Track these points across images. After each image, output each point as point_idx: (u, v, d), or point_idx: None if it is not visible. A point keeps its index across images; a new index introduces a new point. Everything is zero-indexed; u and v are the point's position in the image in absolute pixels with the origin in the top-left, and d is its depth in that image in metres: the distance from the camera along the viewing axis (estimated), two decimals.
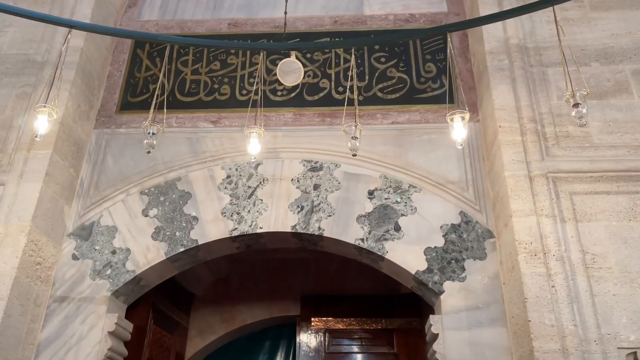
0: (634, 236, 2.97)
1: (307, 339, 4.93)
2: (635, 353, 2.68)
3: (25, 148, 3.53)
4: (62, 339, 3.34)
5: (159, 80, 3.58)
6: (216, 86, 4.20)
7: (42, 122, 2.98)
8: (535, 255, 2.98)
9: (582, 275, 2.89)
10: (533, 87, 3.52)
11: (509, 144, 3.35)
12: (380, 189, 3.70)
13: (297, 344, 4.92)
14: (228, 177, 3.82)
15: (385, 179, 3.73)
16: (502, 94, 3.53)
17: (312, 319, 5.00)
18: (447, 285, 3.36)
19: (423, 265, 3.44)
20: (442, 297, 3.34)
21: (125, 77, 4.32)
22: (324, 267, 5.38)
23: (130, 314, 3.71)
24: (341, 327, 4.97)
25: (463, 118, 2.87)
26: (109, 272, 3.54)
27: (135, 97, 4.22)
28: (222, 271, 5.30)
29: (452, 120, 2.90)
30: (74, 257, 3.59)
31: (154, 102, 3.27)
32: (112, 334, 3.37)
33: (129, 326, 3.61)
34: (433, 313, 3.44)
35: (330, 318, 5.00)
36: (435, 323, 3.30)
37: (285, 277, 5.38)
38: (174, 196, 3.77)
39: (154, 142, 3.10)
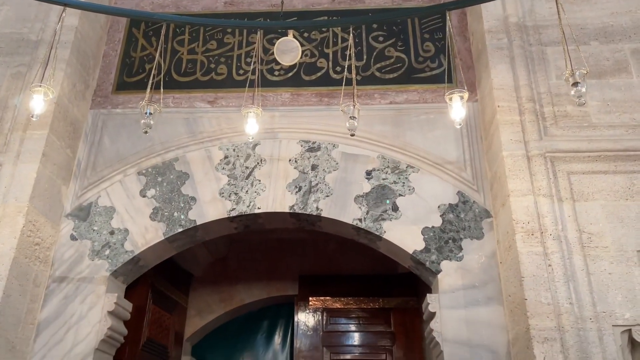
0: (630, 215, 2.99)
1: (305, 318, 4.98)
2: (630, 330, 2.72)
3: (21, 128, 3.51)
4: (62, 318, 3.36)
5: (155, 60, 3.56)
6: (213, 66, 4.16)
7: (38, 102, 2.95)
8: (532, 234, 2.99)
9: (578, 254, 2.91)
10: (532, 67, 3.50)
11: (507, 124, 3.34)
12: (378, 169, 3.70)
13: (295, 323, 4.97)
14: (225, 157, 3.81)
15: (383, 159, 3.72)
16: (501, 73, 3.51)
17: (310, 298, 5.04)
18: (445, 264, 3.39)
19: (420, 245, 3.46)
20: (439, 276, 3.36)
21: (120, 57, 4.27)
22: (322, 247, 5.40)
23: (129, 294, 3.72)
24: (339, 307, 5.01)
25: (462, 97, 2.86)
26: (107, 252, 3.55)
27: (131, 77, 4.18)
28: (221, 251, 5.32)
29: (450, 99, 2.88)
30: (72, 238, 3.60)
31: (150, 82, 3.24)
32: (111, 313, 3.39)
33: (129, 306, 3.63)
34: (430, 292, 3.47)
35: (328, 297, 5.04)
36: (432, 302, 3.33)
37: (283, 257, 5.40)
38: (171, 177, 3.77)
39: (151, 122, 3.08)
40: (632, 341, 2.74)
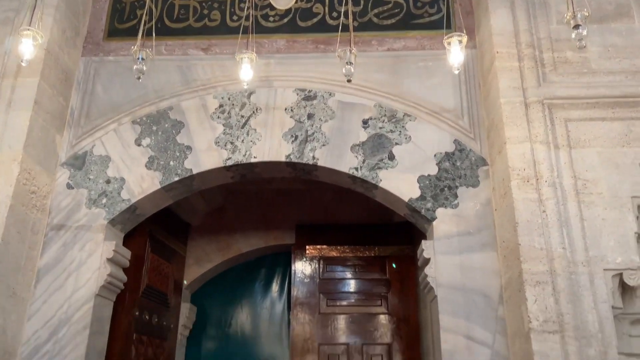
0: (626, 162, 2.99)
1: (302, 267, 5.06)
2: (621, 274, 2.77)
3: (12, 75, 3.44)
4: (61, 265, 3.40)
5: (146, 5, 3.45)
6: (206, 12, 4.05)
7: (27, 46, 2.88)
8: (528, 181, 3.01)
9: (573, 200, 2.93)
10: (532, 11, 3.43)
11: (506, 70, 3.30)
12: (375, 118, 3.67)
13: (292, 271, 5.05)
14: (221, 106, 3.76)
15: (379, 107, 3.69)
16: (501, 18, 3.43)
17: (307, 247, 5.11)
18: (440, 212, 3.41)
19: (416, 193, 3.47)
20: (434, 223, 3.40)
21: (111, 2, 4.15)
22: (318, 197, 5.42)
23: (127, 242, 3.76)
24: (335, 255, 5.09)
25: (460, 41, 2.81)
26: (104, 201, 3.56)
27: (122, 23, 4.08)
28: (217, 202, 5.34)
29: (449, 43, 2.83)
30: (69, 187, 3.59)
31: (141, 28, 3.17)
32: (110, 260, 3.43)
33: (127, 253, 3.67)
34: (425, 240, 3.51)
35: (324, 246, 5.11)
36: (427, 248, 3.37)
37: (280, 207, 5.43)
38: (166, 125, 3.73)
39: (144, 68, 3.03)
40: (622, 285, 2.79)
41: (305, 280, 5.00)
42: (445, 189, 3.46)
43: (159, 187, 3.60)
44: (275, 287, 5.55)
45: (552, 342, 2.63)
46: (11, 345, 3.12)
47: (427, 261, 3.36)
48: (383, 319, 4.80)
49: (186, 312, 5.10)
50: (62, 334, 3.24)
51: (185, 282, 5.09)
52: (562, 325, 2.66)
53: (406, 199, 3.47)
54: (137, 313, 3.94)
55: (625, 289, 2.83)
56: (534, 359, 2.61)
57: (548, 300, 2.72)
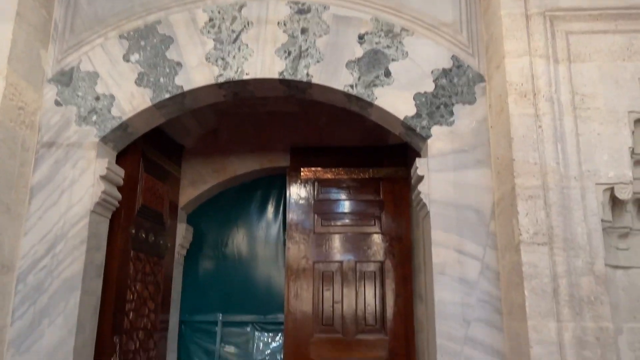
0: (625, 76, 2.93)
1: (297, 188, 5.09)
2: (612, 189, 2.78)
3: None
4: (54, 182, 3.39)
5: None
6: None
7: None
8: (525, 96, 2.95)
9: (569, 115, 2.89)
10: None
11: None
12: (371, 33, 3.55)
13: (288, 193, 5.08)
14: (210, 20, 3.62)
15: (376, 21, 3.56)
16: None
17: (302, 169, 5.11)
18: (435, 129, 3.38)
19: (412, 111, 3.42)
20: (429, 141, 3.37)
21: None
22: (313, 119, 5.37)
23: (120, 161, 3.73)
24: (330, 177, 5.10)
25: None
26: (94, 118, 3.50)
27: None
28: (211, 123, 5.29)
29: None
30: (57, 103, 3.52)
31: None
32: (104, 178, 3.42)
33: (121, 172, 3.65)
34: (420, 158, 3.49)
35: (319, 168, 5.11)
36: (421, 165, 3.37)
37: (274, 130, 5.39)
38: (155, 40, 3.60)
39: None
40: (613, 199, 2.82)
41: (300, 201, 5.04)
42: (442, 106, 3.41)
43: (149, 104, 3.52)
44: (270, 208, 5.61)
45: (540, 253, 2.68)
46: (9, 259, 3.17)
47: (420, 178, 3.37)
48: (376, 238, 4.89)
49: (183, 232, 5.18)
50: (59, 249, 3.28)
51: (180, 203, 5.13)
52: (551, 238, 2.70)
53: (402, 117, 3.42)
54: (133, 231, 3.99)
55: (615, 203, 2.86)
56: (523, 269, 2.67)
57: (539, 213, 2.74)
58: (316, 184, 5.10)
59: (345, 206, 5.03)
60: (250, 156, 5.35)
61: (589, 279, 2.65)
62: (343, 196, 5.06)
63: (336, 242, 4.92)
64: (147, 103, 3.52)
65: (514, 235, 2.81)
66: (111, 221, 3.66)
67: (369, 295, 4.78)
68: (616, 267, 2.89)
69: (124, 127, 3.55)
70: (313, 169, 5.11)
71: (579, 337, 2.58)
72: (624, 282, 2.91)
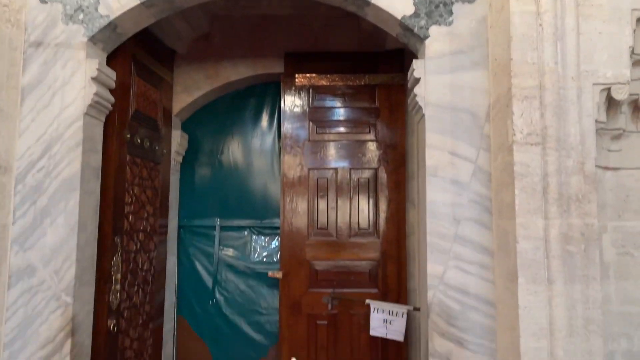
0: None
1: (292, 95, 5.02)
2: (609, 89, 2.76)
3: None
4: (45, 83, 3.33)
5: None
6: None
7: None
8: None
9: (571, 12, 2.80)
10: None
11: None
12: None
13: (282, 100, 5.02)
14: None
15: None
16: None
17: (296, 75, 5.02)
18: (433, 29, 3.30)
19: (410, 10, 3.32)
20: (426, 42, 3.30)
21: None
22: (308, 24, 5.21)
23: (111, 64, 3.65)
24: (325, 84, 5.02)
25: None
26: (81, 16, 3.37)
27: None
28: (202, 28, 5.11)
29: None
30: (42, 1, 3.38)
31: None
32: (95, 79, 3.36)
33: (112, 74, 3.59)
34: (417, 59, 3.43)
35: (314, 75, 5.02)
36: (418, 67, 3.32)
37: (268, 34, 5.23)
38: None
39: None
40: (609, 100, 2.81)
41: (295, 109, 5.00)
42: (441, 5, 3.30)
43: (138, 2, 3.38)
44: (265, 116, 5.58)
45: (533, 153, 2.71)
46: (5, 160, 3.19)
47: (417, 81, 3.33)
48: (371, 145, 4.91)
49: (178, 139, 5.17)
50: (55, 151, 3.29)
51: (174, 110, 5.08)
52: (544, 138, 2.72)
53: (399, 17, 3.32)
54: (128, 136, 3.98)
55: (611, 104, 2.86)
56: (514, 168, 2.71)
57: (534, 114, 2.74)
58: (311, 90, 5.04)
59: (341, 113, 5.00)
60: (244, 62, 5.23)
61: (578, 178, 2.70)
62: (338, 103, 5.01)
63: (331, 149, 4.94)
64: (135, 1, 3.39)
65: (507, 136, 2.82)
66: (105, 126, 3.64)
67: (363, 200, 4.88)
68: (606, 168, 2.95)
69: (112, 26, 3.44)
70: (308, 75, 5.02)
71: (564, 233, 2.68)
72: (612, 182, 2.98)
